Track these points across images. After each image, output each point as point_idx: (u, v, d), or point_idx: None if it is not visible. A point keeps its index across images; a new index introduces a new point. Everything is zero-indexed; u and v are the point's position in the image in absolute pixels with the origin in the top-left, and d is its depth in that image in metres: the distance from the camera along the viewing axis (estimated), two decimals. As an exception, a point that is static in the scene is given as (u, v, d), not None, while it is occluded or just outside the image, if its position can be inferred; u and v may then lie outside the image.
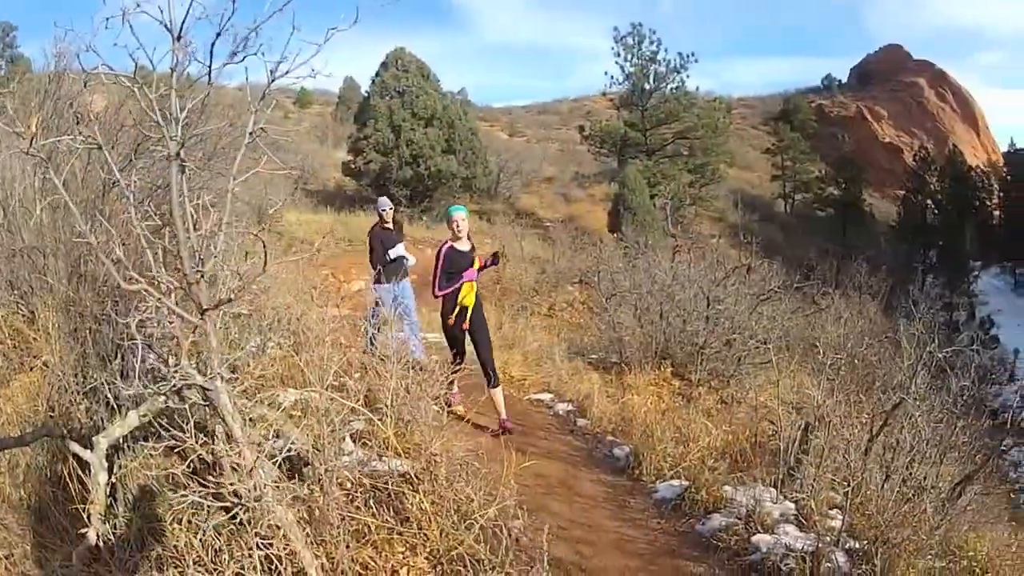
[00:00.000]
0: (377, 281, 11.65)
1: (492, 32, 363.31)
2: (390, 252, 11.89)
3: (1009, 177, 72.36)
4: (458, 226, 9.21)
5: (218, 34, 3.77)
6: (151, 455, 5.12)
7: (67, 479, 5.19)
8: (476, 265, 9.31)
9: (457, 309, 9.17)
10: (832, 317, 18.84)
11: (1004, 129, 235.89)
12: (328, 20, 3.98)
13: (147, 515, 4.93)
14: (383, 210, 12.29)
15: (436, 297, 9.27)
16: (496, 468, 5.95)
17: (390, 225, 12.29)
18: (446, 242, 9.27)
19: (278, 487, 4.49)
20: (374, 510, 5.25)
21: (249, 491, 4.08)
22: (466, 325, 9.22)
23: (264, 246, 4.05)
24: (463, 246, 9.27)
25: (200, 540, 4.42)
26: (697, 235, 29.52)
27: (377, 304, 11.23)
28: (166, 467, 5.05)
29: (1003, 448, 7.32)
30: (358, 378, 6.57)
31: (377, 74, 42.73)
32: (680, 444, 8.48)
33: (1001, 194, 72.90)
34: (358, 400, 5.89)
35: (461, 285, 9.11)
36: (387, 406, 6.35)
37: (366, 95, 45.43)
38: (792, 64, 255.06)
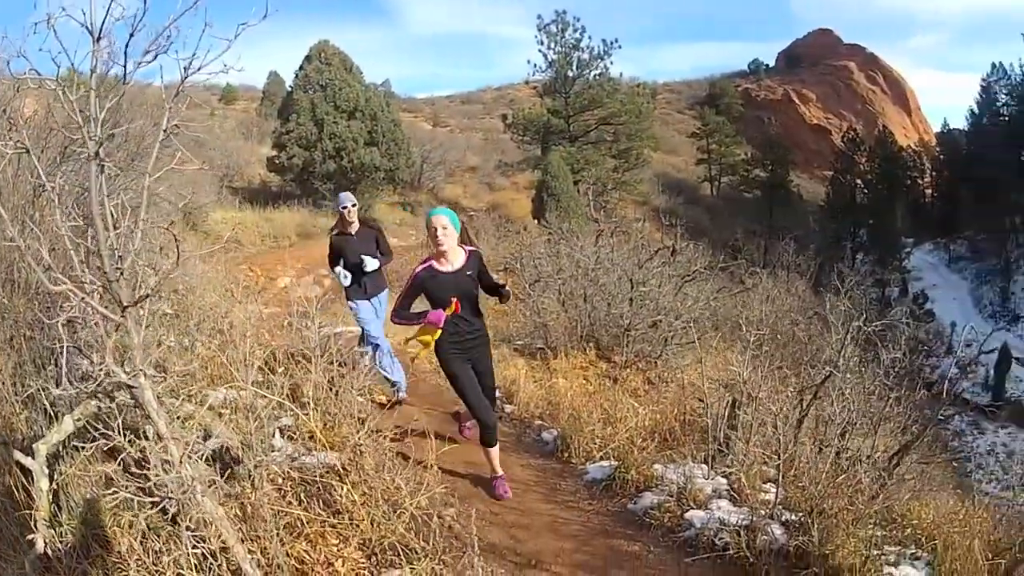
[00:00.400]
0: (347, 296, 10.14)
1: (416, 22, 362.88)
2: (336, 270, 9.99)
3: (942, 156, 74.49)
4: (436, 237, 6.83)
5: (131, 35, 3.84)
6: (89, 460, 5.20)
7: (14, 489, 5.19)
8: (450, 309, 6.84)
9: (413, 342, 7.20)
10: (760, 296, 19.02)
11: (939, 110, 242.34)
12: (242, 15, 4.06)
13: (89, 521, 4.94)
14: (343, 208, 10.04)
15: (395, 323, 7.22)
16: (425, 457, 6.01)
17: (352, 229, 10.07)
18: (426, 260, 7.02)
19: (212, 484, 4.63)
20: (305, 504, 5.35)
21: (177, 485, 4.16)
22: (419, 359, 7.59)
23: (176, 241, 4.14)
24: (448, 265, 6.98)
25: (141, 543, 4.50)
26: (621, 219, 29.67)
27: (359, 322, 10.23)
28: (104, 471, 5.12)
29: (941, 418, 7.36)
30: (282, 372, 6.58)
31: (301, 68, 42.36)
32: (608, 425, 8.51)
33: (934, 173, 75.00)
34: (283, 394, 5.96)
35: (422, 325, 6.90)
36: (311, 399, 6.42)
37: (290, 89, 45.13)
38: (720, 49, 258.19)
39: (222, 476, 5.11)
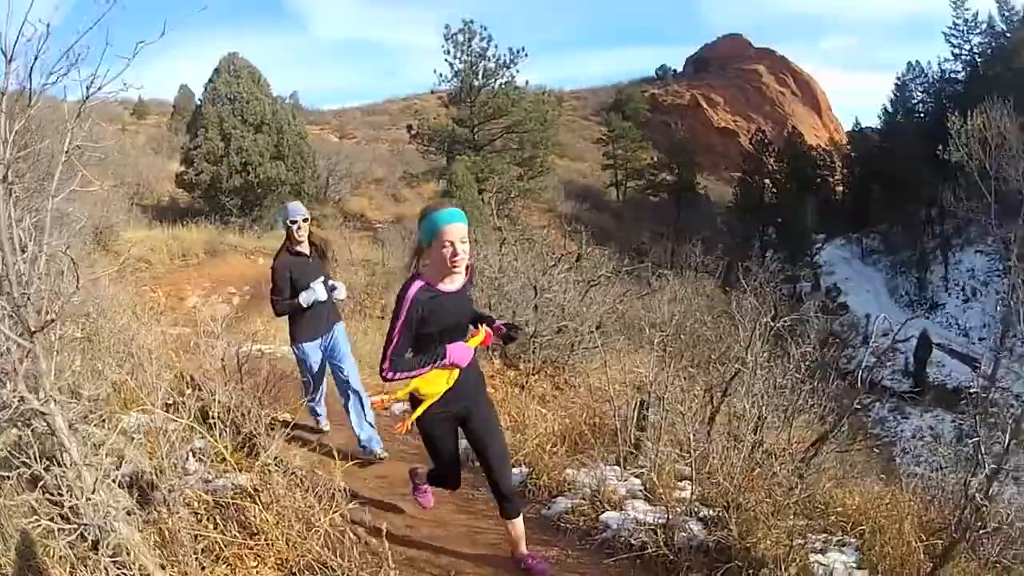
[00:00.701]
0: (293, 338, 8.17)
1: (325, 31, 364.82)
2: (302, 296, 7.82)
3: (853, 154, 76.88)
4: (454, 250, 4.73)
5: (35, 58, 3.90)
6: (16, 491, 5.04)
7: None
8: (477, 340, 5.15)
9: (409, 400, 5.20)
10: (667, 297, 19.18)
11: (852, 109, 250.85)
12: (144, 32, 4.21)
13: (23, 552, 4.84)
14: (291, 222, 7.99)
15: (386, 380, 4.93)
16: (336, 473, 5.94)
17: (304, 247, 8.10)
18: (417, 277, 4.90)
19: (129, 512, 4.69)
20: (222, 527, 5.33)
21: (93, 511, 4.24)
22: (404, 428, 5.18)
23: (75, 265, 4.21)
24: (451, 283, 5.01)
25: (71, 574, 4.46)
26: (526, 227, 29.94)
27: (303, 369, 8.30)
28: (27, 500, 4.96)
29: (859, 407, 7.49)
30: (190, 394, 6.32)
31: (210, 80, 41.94)
32: (517, 432, 8.52)
33: (845, 171, 77.53)
34: (192, 417, 5.84)
35: (435, 369, 5.00)
36: (218, 420, 6.32)
37: (199, 103, 44.77)
38: (631, 56, 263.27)
39: (138, 502, 5.08)
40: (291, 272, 7.91)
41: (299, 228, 7.96)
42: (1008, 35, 64.66)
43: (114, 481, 4.63)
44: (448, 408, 5.14)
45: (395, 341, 4.79)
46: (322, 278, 8.02)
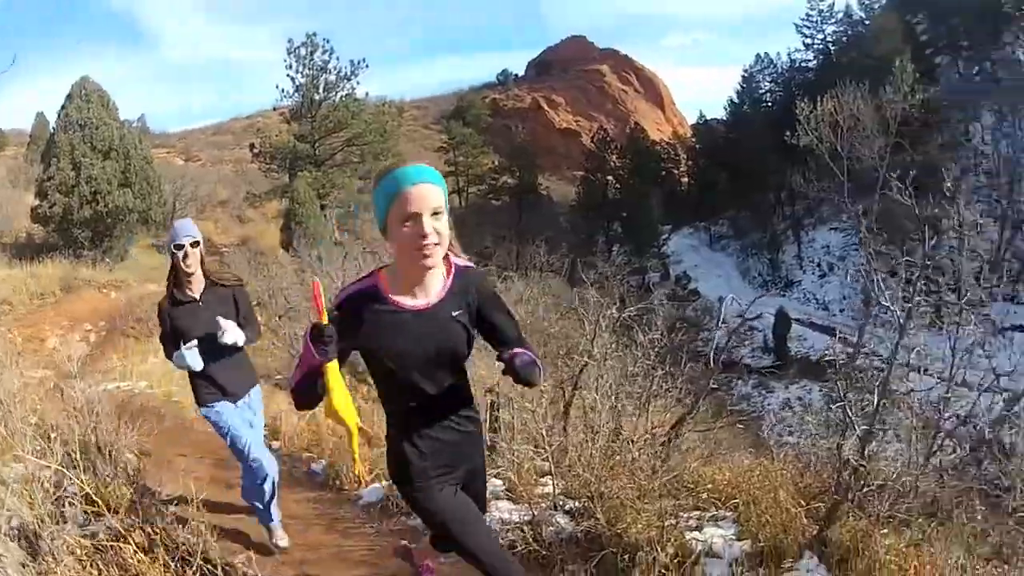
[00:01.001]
0: (198, 398, 6.15)
1: (172, 48, 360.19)
2: (182, 354, 5.82)
3: (698, 146, 79.33)
4: (419, 228, 3.07)
5: None
6: None
7: None
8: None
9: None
10: (514, 299, 19.32)
11: (696, 103, 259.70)
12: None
13: None
14: (176, 246, 5.94)
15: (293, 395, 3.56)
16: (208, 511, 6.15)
17: (195, 288, 6.07)
18: (373, 276, 3.43)
19: (25, 565, 4.70)
20: (105, 571, 5.17)
21: None
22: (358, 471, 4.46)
23: None
24: (421, 295, 3.38)
25: None
26: (369, 240, 29.98)
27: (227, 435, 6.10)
28: None
29: (715, 387, 7.84)
30: (55, 438, 6.29)
31: (63, 107, 40.38)
32: (372, 447, 8.30)
33: (690, 163, 79.95)
34: (58, 461, 5.72)
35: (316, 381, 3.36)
36: (80, 462, 6.13)
37: (52, 131, 43.19)
38: (476, 63, 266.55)
39: (28, 553, 5.01)
40: (172, 321, 6.00)
41: (186, 255, 5.94)
42: (867, 22, 67.88)
43: (3, 534, 4.63)
44: (445, 470, 3.70)
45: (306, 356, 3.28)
46: (193, 345, 5.83)
